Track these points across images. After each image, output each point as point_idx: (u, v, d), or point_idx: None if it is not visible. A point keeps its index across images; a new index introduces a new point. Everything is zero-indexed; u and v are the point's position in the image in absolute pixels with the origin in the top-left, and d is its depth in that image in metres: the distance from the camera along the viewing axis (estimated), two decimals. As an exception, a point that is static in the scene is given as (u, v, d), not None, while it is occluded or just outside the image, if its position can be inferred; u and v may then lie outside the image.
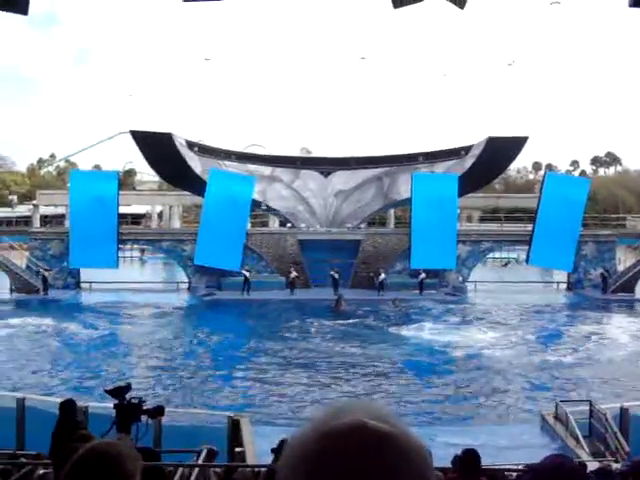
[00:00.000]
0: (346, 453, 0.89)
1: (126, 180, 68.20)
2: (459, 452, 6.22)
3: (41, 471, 6.71)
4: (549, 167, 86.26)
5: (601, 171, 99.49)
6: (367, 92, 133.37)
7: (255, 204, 41.94)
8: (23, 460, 8.00)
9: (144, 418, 6.53)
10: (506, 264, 55.46)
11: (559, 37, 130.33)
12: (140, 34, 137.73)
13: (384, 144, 67.46)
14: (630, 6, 6.12)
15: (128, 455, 1.60)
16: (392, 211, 49.71)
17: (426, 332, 27.98)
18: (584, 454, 12.80)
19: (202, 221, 38.57)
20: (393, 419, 0.95)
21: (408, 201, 39.81)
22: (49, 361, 23.01)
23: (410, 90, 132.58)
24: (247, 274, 36.62)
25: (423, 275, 37.53)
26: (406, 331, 28.42)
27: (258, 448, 11.01)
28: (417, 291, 37.10)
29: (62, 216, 46.89)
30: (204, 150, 41.08)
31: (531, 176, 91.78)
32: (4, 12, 7.73)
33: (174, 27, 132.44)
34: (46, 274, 36.48)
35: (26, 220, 45.91)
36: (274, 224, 48.54)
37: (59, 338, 26.60)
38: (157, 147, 38.42)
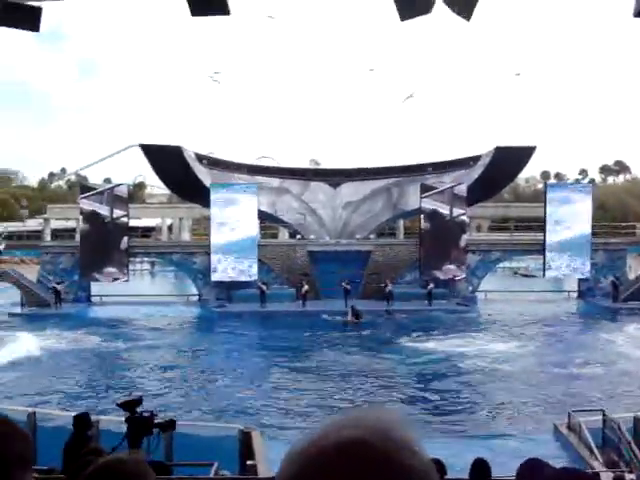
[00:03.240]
0: (339, 474, 0.80)
1: (136, 193, 68.45)
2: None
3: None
4: (557, 176, 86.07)
5: (610, 179, 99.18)
6: (375, 103, 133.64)
7: (264, 216, 42.11)
8: (35, 475, 8.03)
9: (155, 431, 6.56)
10: (525, 274, 55.09)
11: (565, 47, 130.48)
12: (149, 47, 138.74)
13: (393, 155, 67.46)
14: (635, 16, 6.15)
15: (138, 473, 1.60)
16: (401, 222, 49.67)
17: (433, 343, 27.84)
18: (598, 464, 12.73)
19: (212, 234, 38.78)
20: (401, 434, 0.84)
21: (417, 211, 39.88)
22: (63, 375, 23.08)
23: (418, 101, 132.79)
24: (264, 287, 36.69)
25: (432, 285, 37.47)
26: (411, 342, 28.30)
27: (270, 462, 10.99)
28: (427, 301, 37.01)
29: (73, 230, 47.14)
30: (213, 163, 41.27)
31: (540, 185, 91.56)
32: (17, 29, 7.87)
33: (183, 40, 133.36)
34: (59, 287, 36.69)
35: (37, 234, 46.09)
36: (284, 236, 48.58)
37: (72, 352, 26.70)
38: (167, 160, 38.62)
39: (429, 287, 37.30)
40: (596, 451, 13.43)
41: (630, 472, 11.33)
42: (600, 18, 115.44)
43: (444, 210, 38.97)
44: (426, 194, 39.04)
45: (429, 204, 39.00)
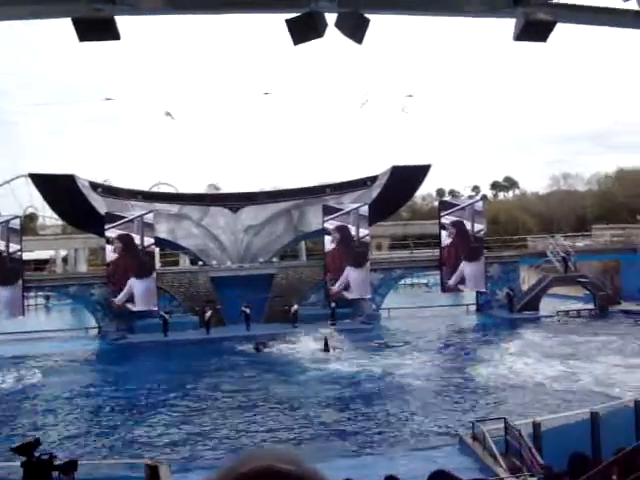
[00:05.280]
0: None
1: (27, 225, 65.73)
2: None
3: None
4: (452, 193, 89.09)
5: (501, 195, 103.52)
6: (271, 126, 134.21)
7: (163, 243, 41.34)
8: None
9: (55, 474, 6.25)
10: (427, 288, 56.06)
11: (454, 67, 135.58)
12: (37, 71, 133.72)
13: (292, 177, 68.03)
14: (514, 40, 6.46)
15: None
16: (303, 243, 49.93)
17: (336, 363, 27.93)
18: (501, 471, 13.13)
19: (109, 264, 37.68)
20: (300, 461, 1.03)
21: (319, 233, 40.21)
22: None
23: (313, 123, 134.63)
24: (166, 316, 35.89)
25: (334, 304, 37.84)
26: (314, 363, 28.32)
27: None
28: (329, 321, 37.16)
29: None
30: (108, 191, 40.19)
31: (436, 203, 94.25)
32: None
33: (74, 64, 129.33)
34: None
35: None
36: (185, 263, 47.83)
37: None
38: (59, 190, 37.33)
39: (331, 306, 37.67)
40: (500, 458, 13.86)
41: (532, 476, 11.76)
42: (483, 42, 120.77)
43: (351, 231, 39.49)
44: (332, 215, 39.41)
45: (334, 225, 39.41)
